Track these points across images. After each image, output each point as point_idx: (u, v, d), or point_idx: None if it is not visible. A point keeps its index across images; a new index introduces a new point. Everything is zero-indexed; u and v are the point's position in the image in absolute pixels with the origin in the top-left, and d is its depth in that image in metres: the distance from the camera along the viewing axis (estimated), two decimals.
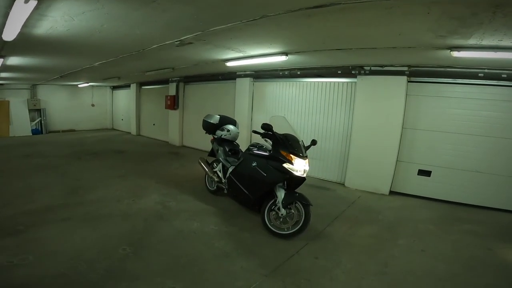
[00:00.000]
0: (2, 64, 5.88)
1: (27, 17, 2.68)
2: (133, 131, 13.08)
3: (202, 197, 5.02)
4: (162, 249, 3.23)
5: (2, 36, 3.42)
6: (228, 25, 3.05)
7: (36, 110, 12.55)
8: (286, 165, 3.60)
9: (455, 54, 3.53)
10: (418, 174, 5.59)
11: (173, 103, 9.90)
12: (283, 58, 4.75)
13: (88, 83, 12.42)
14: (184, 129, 10.33)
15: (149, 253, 3.12)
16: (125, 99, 14.06)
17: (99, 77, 9.80)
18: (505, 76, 4.56)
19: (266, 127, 3.68)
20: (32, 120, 12.39)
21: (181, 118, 10.23)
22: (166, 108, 10.23)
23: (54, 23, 3.03)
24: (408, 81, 5.34)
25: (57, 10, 2.61)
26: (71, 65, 6.53)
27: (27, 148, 9.16)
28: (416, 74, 5.24)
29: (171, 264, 2.95)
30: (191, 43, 3.99)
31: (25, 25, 2.95)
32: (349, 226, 4.13)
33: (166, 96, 10.09)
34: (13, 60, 5.64)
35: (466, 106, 5.06)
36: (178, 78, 9.66)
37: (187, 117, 10.14)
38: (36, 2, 2.34)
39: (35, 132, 12.37)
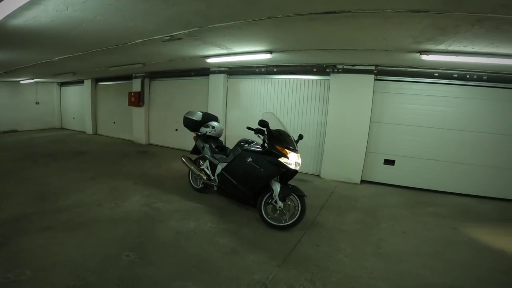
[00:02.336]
0: None
1: (22, 4, 2.39)
2: (89, 130, 12.09)
3: (188, 196, 4.96)
4: (168, 252, 3.18)
5: None
6: (230, 23, 3.08)
7: None
8: (281, 159, 3.77)
9: (424, 57, 4.04)
10: (384, 163, 6.21)
11: (137, 99, 9.39)
12: (267, 56, 4.88)
13: (32, 79, 11.11)
14: (151, 127, 9.89)
15: (156, 257, 3.04)
16: (76, 96, 12.89)
17: (50, 72, 8.85)
18: (456, 76, 5.31)
19: (263, 123, 3.80)
20: None
21: (147, 116, 9.76)
22: (129, 105, 9.65)
23: (40, 13, 2.74)
24: (375, 79, 5.87)
25: None
26: (28, 60, 5.84)
27: None
28: (382, 73, 5.81)
29: (184, 265, 2.93)
30: (180, 38, 3.90)
31: (9, 15, 2.63)
32: (336, 214, 4.48)
33: (130, 93, 9.52)
34: None
35: (423, 102, 5.75)
36: (143, 74, 9.19)
37: (154, 114, 9.72)
38: None
39: None
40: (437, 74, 5.45)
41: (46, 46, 4.38)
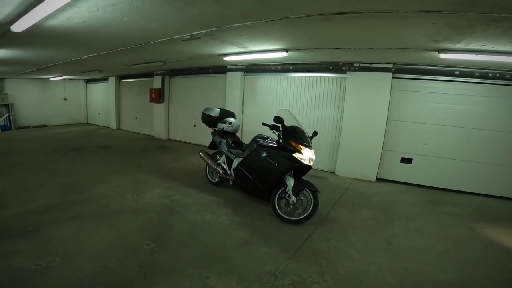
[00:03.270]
0: None
1: (61, 6, 2.60)
2: (113, 125, 12.65)
3: (205, 189, 5.15)
4: (185, 242, 3.36)
5: (12, 26, 3.27)
6: (247, 23, 3.20)
7: (3, 105, 11.67)
8: (296, 155, 3.86)
9: (442, 55, 3.98)
10: (400, 162, 6.14)
11: (158, 96, 9.73)
12: (283, 54, 4.96)
13: (61, 76, 11.74)
14: (171, 122, 10.22)
15: (174, 247, 3.23)
16: (101, 93, 13.49)
17: (78, 70, 9.34)
18: (478, 74, 5.17)
19: (278, 119, 3.91)
20: (0, 115, 11.51)
21: (167, 112, 10.09)
22: (150, 101, 10.02)
23: (74, 14, 2.97)
24: (393, 77, 5.80)
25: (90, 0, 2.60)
26: (60, 58, 6.23)
27: (0, 145, 8.59)
28: (400, 71, 5.73)
29: (199, 255, 3.10)
30: (199, 38, 4.06)
31: (47, 16, 2.88)
32: (349, 210, 4.53)
33: (151, 90, 9.88)
34: None
35: (443, 100, 5.62)
36: (164, 71, 9.50)
37: (174, 110, 10.04)
38: None
39: (3, 128, 11.53)
40: (458, 73, 5.33)
41: (77, 45, 4.69)
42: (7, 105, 11.76)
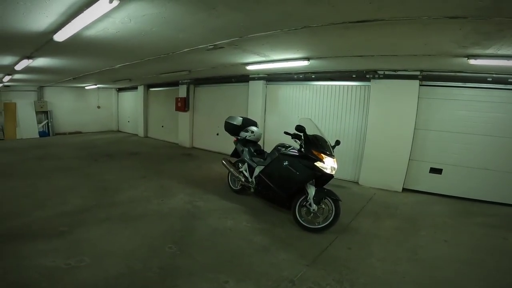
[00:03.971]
0: (26, 66, 5.98)
1: (98, 17, 2.82)
2: (141, 133, 13.22)
3: (227, 196, 5.23)
4: (205, 246, 3.43)
5: (54, 36, 3.57)
6: (268, 32, 3.29)
7: (42, 112, 12.61)
8: (317, 164, 3.85)
9: (472, 62, 3.84)
10: (429, 172, 5.89)
11: (183, 105, 10.07)
12: (305, 63, 5.01)
13: (96, 85, 12.53)
14: (195, 131, 10.52)
15: (195, 251, 3.31)
16: (131, 101, 14.17)
17: (110, 79, 9.95)
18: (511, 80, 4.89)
19: (300, 128, 3.94)
20: (39, 122, 12.44)
21: (191, 120, 10.41)
22: (176, 110, 10.39)
23: (109, 25, 3.22)
24: (420, 85, 5.63)
25: (123, 11, 2.77)
26: (95, 67, 6.70)
27: (38, 150, 9.26)
28: (428, 78, 5.55)
29: (218, 259, 3.15)
30: (222, 47, 4.21)
31: (86, 26, 3.14)
32: (372, 220, 4.41)
33: (176, 98, 10.26)
34: (39, 62, 5.77)
35: (474, 108, 5.37)
36: (189, 80, 9.85)
37: (198, 119, 10.33)
38: (118, 2, 2.46)
39: (42, 134, 12.43)
40: (490, 79, 5.09)
41: (110, 54, 5.04)
42: (46, 112, 12.68)
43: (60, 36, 3.61)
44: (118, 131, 15.56)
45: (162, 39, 3.88)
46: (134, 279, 2.75)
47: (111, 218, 4.09)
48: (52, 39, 3.74)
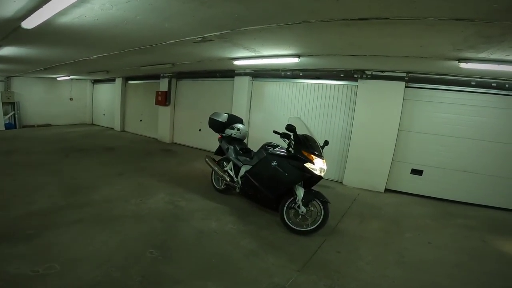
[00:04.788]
0: None
1: (74, 1, 2.52)
2: (117, 126, 12.60)
3: (210, 196, 5.03)
4: (190, 251, 3.24)
5: (22, 23, 3.19)
6: (263, 26, 3.11)
7: (9, 104, 11.69)
8: (307, 165, 3.74)
9: (463, 65, 3.86)
10: (411, 173, 5.98)
11: (164, 99, 9.67)
12: (295, 60, 4.87)
13: (68, 76, 11.77)
14: (176, 126, 10.14)
15: (179, 256, 3.11)
16: (107, 94, 13.48)
17: (86, 70, 9.33)
18: (495, 85, 5.04)
19: (290, 127, 3.80)
20: (5, 113, 11.52)
21: (172, 115, 10.02)
22: (156, 104, 9.97)
23: (87, 11, 2.90)
24: (406, 86, 5.68)
25: None
26: (69, 57, 6.19)
27: (4, 143, 8.57)
28: (414, 80, 5.61)
29: (205, 265, 2.97)
30: (211, 40, 3.98)
31: (59, 12, 2.81)
32: (358, 222, 4.39)
33: (157, 92, 9.83)
34: (5, 51, 5.24)
35: (457, 111, 5.48)
36: (171, 74, 9.46)
37: (179, 113, 9.97)
38: None
39: (8, 126, 11.53)
40: (474, 83, 5.20)
41: (87, 44, 4.62)
42: (12, 103, 11.78)
43: (29, 23, 3.24)
44: (92, 124, 14.78)
45: (147, 28, 3.58)
46: None
47: (84, 220, 3.76)
48: (20, 26, 3.36)
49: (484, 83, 5.11)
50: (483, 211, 5.19)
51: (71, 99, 13.90)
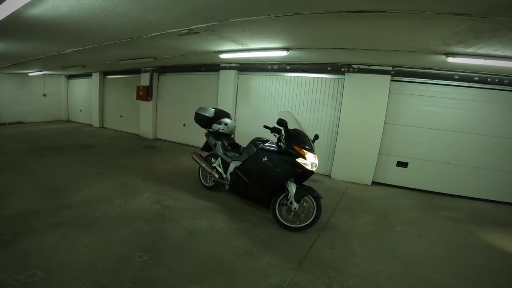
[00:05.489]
0: None
1: None
2: (96, 123, 12.06)
3: (198, 194, 4.88)
4: (182, 253, 3.09)
5: None
6: (253, 17, 2.96)
7: None
8: (299, 160, 3.67)
9: (450, 59, 3.90)
10: (396, 166, 6.08)
11: (146, 94, 9.32)
12: (283, 53, 4.75)
13: (41, 71, 11.08)
14: (159, 121, 9.82)
15: (170, 258, 2.96)
16: (84, 89, 12.85)
17: (60, 65, 8.78)
18: (477, 79, 5.17)
19: (281, 122, 3.71)
20: None
21: (155, 110, 9.68)
22: (137, 99, 9.59)
23: (60, 2, 2.63)
24: (391, 80, 5.72)
25: None
26: (41, 51, 5.75)
27: None
28: (400, 73, 5.66)
29: (198, 268, 2.84)
30: (197, 32, 3.78)
31: (29, 3, 2.53)
32: (348, 216, 4.39)
33: (138, 87, 9.45)
34: None
35: (440, 104, 5.59)
36: (152, 68, 9.10)
37: (162, 108, 9.64)
38: None
39: None
40: (457, 77, 5.31)
41: (61, 38, 4.28)
42: None
43: None
44: (69, 120, 14.07)
45: (128, 20, 3.33)
46: None
47: (65, 224, 3.51)
48: None
49: (466, 77, 5.23)
50: (467, 203, 5.35)
51: (44, 95, 13.12)
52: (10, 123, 11.89)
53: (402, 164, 6.04)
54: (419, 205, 5.11)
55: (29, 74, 11.94)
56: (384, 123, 5.89)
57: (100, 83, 11.64)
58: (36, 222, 3.51)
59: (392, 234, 3.89)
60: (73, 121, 13.86)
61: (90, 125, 12.46)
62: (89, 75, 11.97)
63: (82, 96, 13.13)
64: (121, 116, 11.25)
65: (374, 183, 6.13)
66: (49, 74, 12.68)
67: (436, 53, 3.82)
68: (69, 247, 3.01)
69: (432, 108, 5.67)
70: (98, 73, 11.49)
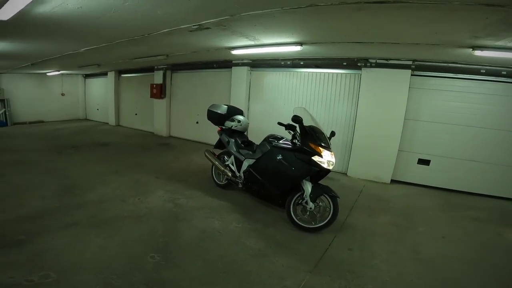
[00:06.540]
0: None
1: None
2: (112, 121, 12.27)
3: (211, 192, 4.82)
4: (194, 253, 3.03)
5: None
6: (265, 10, 2.83)
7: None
8: (315, 158, 3.53)
9: (477, 53, 3.64)
10: (417, 163, 5.82)
11: (159, 92, 9.36)
12: (297, 48, 4.59)
13: (59, 71, 11.36)
14: (172, 119, 9.86)
15: (182, 259, 2.90)
16: (100, 88, 13.08)
17: (75, 64, 8.93)
18: (505, 73, 4.84)
19: (296, 119, 3.56)
20: None
21: (168, 108, 9.73)
22: (151, 97, 9.65)
23: None
24: (412, 75, 5.45)
25: None
26: (54, 51, 5.83)
27: None
28: (421, 68, 5.38)
29: (211, 269, 2.77)
30: (208, 28, 3.69)
31: (36, 0, 2.50)
32: (367, 215, 4.22)
33: (152, 85, 9.51)
34: None
35: (466, 100, 5.29)
36: (165, 66, 9.12)
37: (175, 106, 9.67)
38: None
39: None
40: (484, 71, 4.99)
41: (72, 36, 4.28)
42: (2, 101, 11.34)
43: (4, 14, 2.93)
44: (86, 119, 14.40)
45: (137, 16, 3.27)
46: None
47: (79, 223, 3.52)
48: None
49: (494, 71, 4.91)
50: (493, 202, 5.06)
51: (62, 94, 13.47)
52: (30, 122, 12.28)
53: (424, 162, 5.78)
54: (442, 204, 4.87)
55: (48, 74, 12.25)
56: (404, 119, 5.63)
57: (116, 82, 11.81)
58: (50, 221, 3.53)
59: (413, 235, 3.70)
60: (90, 120, 14.17)
61: (107, 123, 12.68)
62: (105, 74, 12.18)
63: (98, 95, 13.38)
64: (136, 114, 11.39)
65: (393, 181, 5.90)
66: (67, 74, 12.98)
67: (462, 46, 3.56)
68: (82, 247, 3.00)
69: (456, 103, 5.37)
70: (113, 72, 11.66)
